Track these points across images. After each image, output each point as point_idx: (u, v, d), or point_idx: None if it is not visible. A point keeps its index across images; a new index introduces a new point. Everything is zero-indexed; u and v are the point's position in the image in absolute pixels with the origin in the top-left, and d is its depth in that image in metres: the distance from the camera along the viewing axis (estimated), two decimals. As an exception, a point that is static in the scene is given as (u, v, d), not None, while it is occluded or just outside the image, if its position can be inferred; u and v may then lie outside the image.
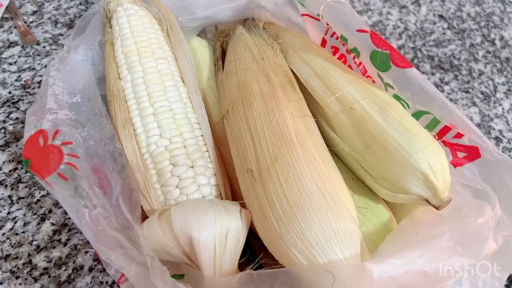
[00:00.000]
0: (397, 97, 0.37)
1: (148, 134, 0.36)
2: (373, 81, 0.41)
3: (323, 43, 0.46)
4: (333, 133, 0.37)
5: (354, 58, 0.43)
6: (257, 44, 0.42)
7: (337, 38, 0.43)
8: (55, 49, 0.54)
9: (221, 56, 0.45)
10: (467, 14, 0.73)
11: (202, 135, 0.38)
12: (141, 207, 0.34)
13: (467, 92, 0.60)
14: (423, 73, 0.62)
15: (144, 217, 0.34)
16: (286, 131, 0.32)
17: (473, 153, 0.35)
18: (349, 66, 0.44)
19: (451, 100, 0.59)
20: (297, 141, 0.32)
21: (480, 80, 0.62)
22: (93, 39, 0.40)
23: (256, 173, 0.31)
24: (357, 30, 0.36)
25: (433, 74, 0.62)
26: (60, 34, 0.56)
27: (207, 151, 0.37)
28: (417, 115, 0.36)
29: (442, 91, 0.60)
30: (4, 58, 0.52)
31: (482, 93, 0.60)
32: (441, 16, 0.72)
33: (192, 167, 0.36)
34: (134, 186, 0.30)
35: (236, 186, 0.37)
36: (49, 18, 0.57)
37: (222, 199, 0.36)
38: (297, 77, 0.40)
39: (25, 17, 0.56)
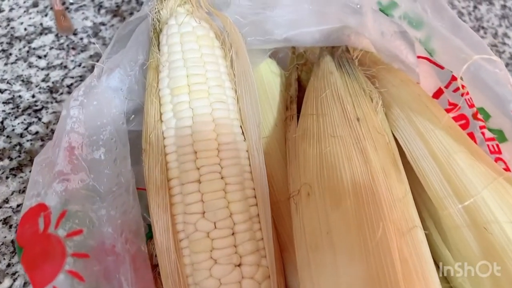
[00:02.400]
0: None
1: (187, 209, 0.27)
2: (507, 169, 0.29)
3: (438, 93, 0.33)
4: (447, 251, 0.26)
5: (482, 128, 0.30)
6: (350, 92, 0.30)
7: (462, 95, 0.31)
8: (94, 43, 0.44)
9: (296, 93, 0.34)
10: None
11: (258, 215, 0.28)
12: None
13: None
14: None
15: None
16: (389, 265, 0.21)
17: None
18: (471, 135, 0.32)
19: None
20: (404, 285, 0.21)
21: None
22: (134, 59, 0.30)
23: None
24: (516, 111, 0.24)
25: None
26: (102, 23, 0.46)
27: (262, 239, 0.27)
28: None
29: None
30: (34, 48, 0.43)
31: None
32: None
33: (239, 265, 0.26)
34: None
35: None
36: (93, 1, 0.48)
37: (274, 313, 0.26)
38: (400, 148, 0.29)
39: (64, -3, 0.47)
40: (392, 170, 0.26)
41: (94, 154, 0.25)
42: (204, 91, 0.28)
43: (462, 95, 0.31)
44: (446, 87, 0.31)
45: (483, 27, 0.56)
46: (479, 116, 0.30)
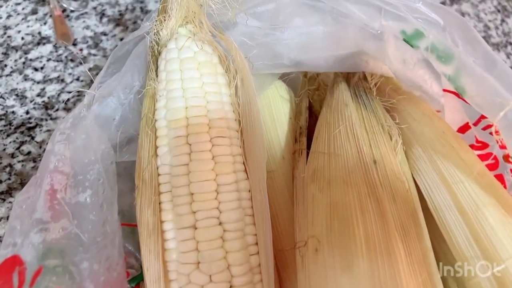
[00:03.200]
0: None
1: (181, 258, 0.24)
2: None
3: (464, 127, 0.30)
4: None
5: (513, 171, 0.27)
6: (367, 128, 0.27)
7: (492, 133, 0.27)
8: (95, 55, 0.42)
9: (306, 123, 0.31)
10: None
11: (260, 264, 0.25)
12: None
13: None
14: None
15: None
16: None
17: None
18: (500, 177, 0.28)
19: None
20: None
21: None
22: (129, 86, 0.27)
23: None
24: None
25: None
26: (104, 33, 0.44)
27: (263, 290, 0.25)
28: None
29: None
30: (30, 60, 0.41)
31: None
32: None
33: (237, 323, 0.23)
34: None
35: None
36: (95, 8, 0.45)
37: None
38: (420, 194, 0.26)
39: (64, 2, 0.45)
40: (412, 225, 0.23)
41: (79, 197, 0.23)
42: (204, 124, 0.26)
43: (492, 133, 0.27)
44: (475, 124, 0.28)
45: (511, 43, 0.52)
46: (511, 159, 0.26)
